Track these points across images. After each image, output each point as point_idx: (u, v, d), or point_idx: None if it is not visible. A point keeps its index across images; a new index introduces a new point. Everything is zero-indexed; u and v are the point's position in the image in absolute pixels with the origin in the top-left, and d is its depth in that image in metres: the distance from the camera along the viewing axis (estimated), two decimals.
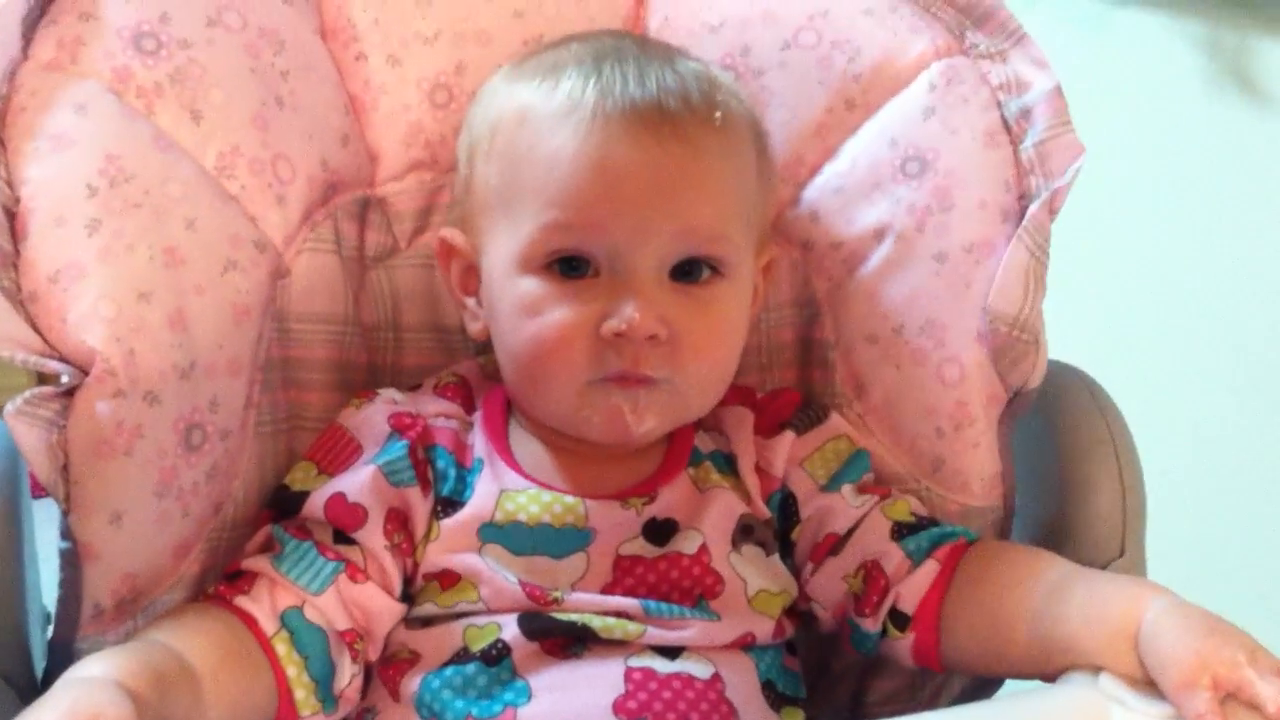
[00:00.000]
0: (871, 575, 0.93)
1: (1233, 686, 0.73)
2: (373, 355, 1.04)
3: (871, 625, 0.93)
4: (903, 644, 0.92)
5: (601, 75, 0.90)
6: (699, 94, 0.92)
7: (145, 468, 0.84)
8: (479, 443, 0.95)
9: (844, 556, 0.94)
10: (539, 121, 0.91)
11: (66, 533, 0.82)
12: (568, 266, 0.90)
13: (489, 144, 0.94)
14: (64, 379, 0.82)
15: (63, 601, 0.83)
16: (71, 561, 0.82)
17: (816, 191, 1.03)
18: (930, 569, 0.92)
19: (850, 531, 0.95)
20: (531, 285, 0.90)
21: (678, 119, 0.89)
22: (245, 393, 0.92)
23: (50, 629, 0.84)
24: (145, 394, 0.84)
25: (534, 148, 0.90)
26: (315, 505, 0.90)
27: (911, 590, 0.92)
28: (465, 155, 0.97)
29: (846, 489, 0.97)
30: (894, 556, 0.93)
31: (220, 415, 0.89)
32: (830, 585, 0.95)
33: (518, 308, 0.90)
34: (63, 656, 0.82)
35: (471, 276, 0.97)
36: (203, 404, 0.88)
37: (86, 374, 0.82)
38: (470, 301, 0.97)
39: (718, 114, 0.92)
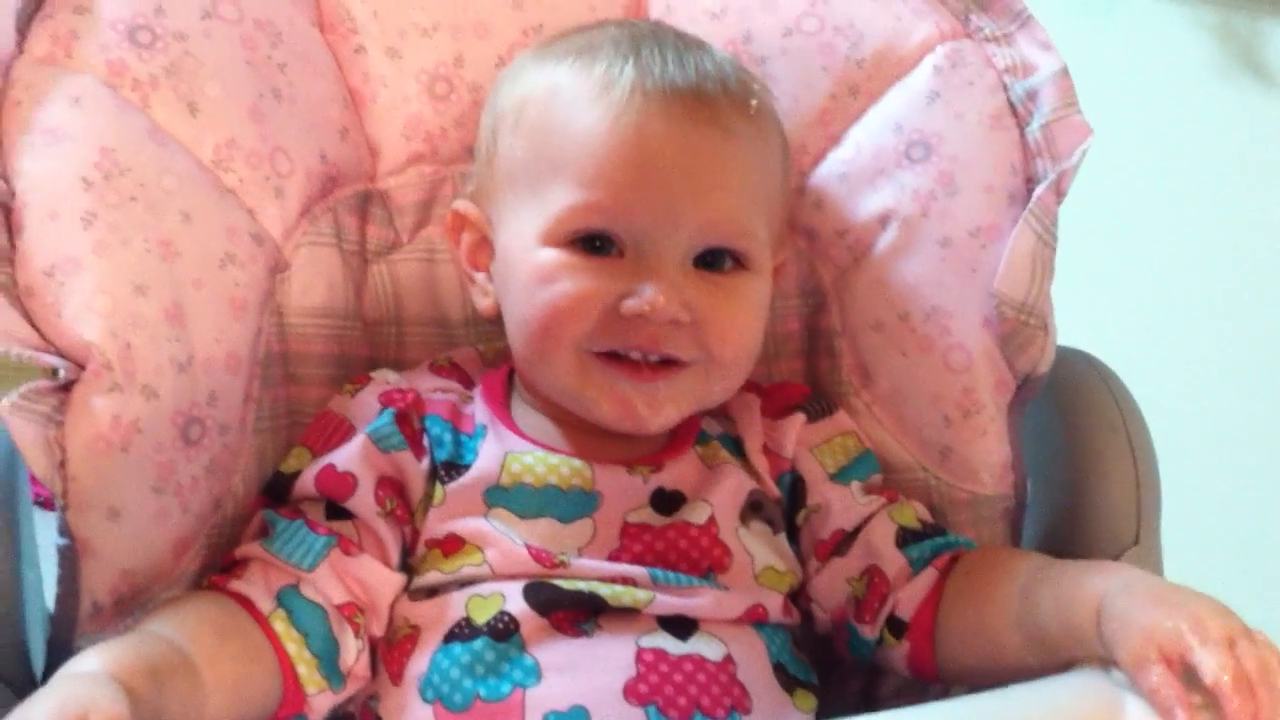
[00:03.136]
0: (874, 580, 0.92)
1: (1176, 657, 0.71)
2: (375, 350, 1.03)
3: (870, 632, 0.92)
4: (898, 653, 0.91)
5: (640, 56, 0.89)
6: (736, 81, 0.92)
7: (143, 463, 0.83)
8: (480, 411, 0.94)
9: (850, 558, 0.93)
10: (573, 97, 0.90)
11: (64, 529, 0.81)
12: (591, 245, 0.89)
13: (517, 117, 0.93)
14: (60, 374, 0.81)
15: (61, 599, 0.82)
16: (69, 558, 0.81)
17: (821, 179, 1.02)
18: (929, 577, 0.91)
19: (857, 530, 0.94)
20: (552, 256, 0.89)
21: (715, 103, 0.89)
22: (244, 388, 0.91)
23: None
24: (142, 388, 0.83)
25: (566, 123, 0.89)
26: (306, 481, 0.89)
27: (909, 597, 0.91)
28: (489, 129, 0.96)
29: (855, 485, 0.96)
30: (896, 562, 0.92)
31: (219, 410, 0.88)
32: (834, 586, 0.94)
33: (535, 277, 0.89)
34: (61, 655, 0.81)
35: (483, 251, 0.96)
36: (201, 398, 0.87)
37: (83, 368, 0.81)
38: (480, 277, 0.96)
39: (754, 100, 0.91)
